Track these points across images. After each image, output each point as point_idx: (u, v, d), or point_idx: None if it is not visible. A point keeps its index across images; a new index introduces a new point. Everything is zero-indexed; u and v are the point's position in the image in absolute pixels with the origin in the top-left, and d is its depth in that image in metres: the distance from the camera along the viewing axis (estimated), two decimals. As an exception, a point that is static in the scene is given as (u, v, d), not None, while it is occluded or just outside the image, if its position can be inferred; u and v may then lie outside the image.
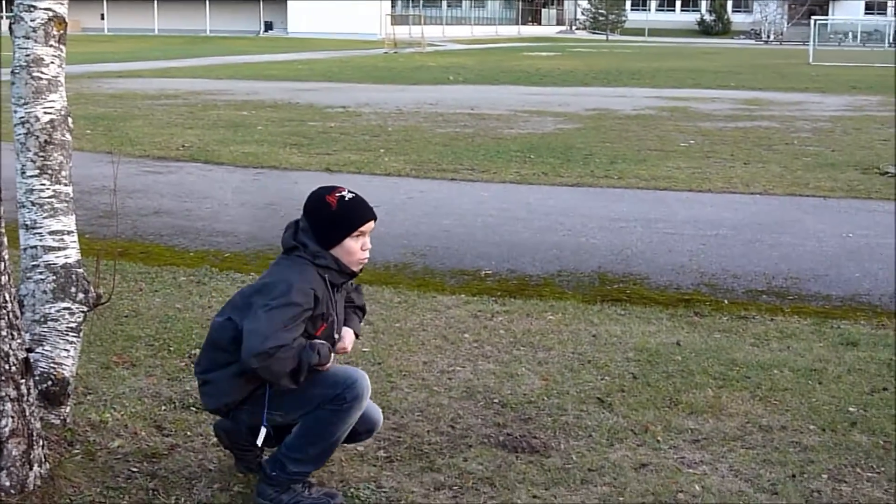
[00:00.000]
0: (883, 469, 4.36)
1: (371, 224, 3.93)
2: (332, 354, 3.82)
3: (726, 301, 7.11)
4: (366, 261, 3.97)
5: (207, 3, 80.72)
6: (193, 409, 4.82)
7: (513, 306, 6.83)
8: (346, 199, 3.89)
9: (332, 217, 3.85)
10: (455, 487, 4.13)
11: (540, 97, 24.16)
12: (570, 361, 5.69)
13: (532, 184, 11.90)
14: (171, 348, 5.74)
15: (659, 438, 4.63)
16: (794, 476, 4.27)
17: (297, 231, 3.88)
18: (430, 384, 5.31)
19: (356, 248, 3.89)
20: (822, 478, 4.27)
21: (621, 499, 4.07)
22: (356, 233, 3.88)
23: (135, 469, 4.19)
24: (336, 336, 3.94)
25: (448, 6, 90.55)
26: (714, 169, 12.96)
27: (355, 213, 3.89)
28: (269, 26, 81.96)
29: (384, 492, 4.08)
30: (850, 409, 5.04)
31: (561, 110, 20.80)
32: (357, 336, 4.18)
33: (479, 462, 4.36)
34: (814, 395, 5.23)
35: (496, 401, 5.08)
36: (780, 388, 5.31)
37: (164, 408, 4.87)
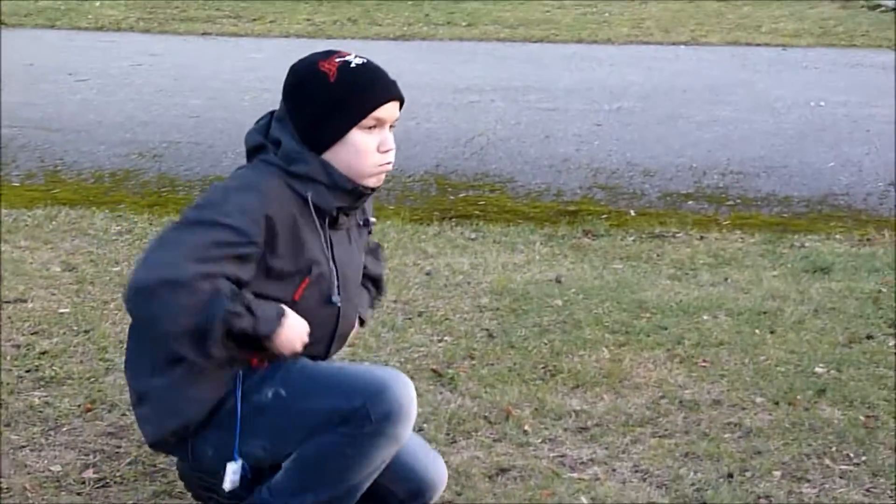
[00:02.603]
0: (864, 458, 4.50)
1: (393, 107, 3.54)
2: (294, 324, 3.42)
3: (632, 212, 7.26)
4: (387, 168, 3.55)
5: None
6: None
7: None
8: (353, 65, 3.50)
9: (328, 96, 3.46)
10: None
11: None
12: (392, 313, 5.73)
13: (332, 37, 11.85)
14: None
15: (527, 428, 4.67)
16: (730, 476, 4.35)
17: (271, 122, 3.53)
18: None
19: (369, 147, 3.48)
20: (774, 476, 4.37)
21: (468, 524, 4.13)
22: (369, 120, 3.47)
23: None
24: (336, 300, 3.57)
25: None
26: (616, 7, 13.11)
27: (368, 88, 3.50)
28: None
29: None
30: (817, 369, 5.19)
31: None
32: (362, 323, 3.89)
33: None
34: (763, 350, 5.38)
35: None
36: (711, 343, 5.44)
37: None
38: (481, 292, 5.97)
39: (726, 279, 6.21)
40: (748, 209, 7.31)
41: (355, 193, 3.52)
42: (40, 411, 4.80)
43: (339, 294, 3.55)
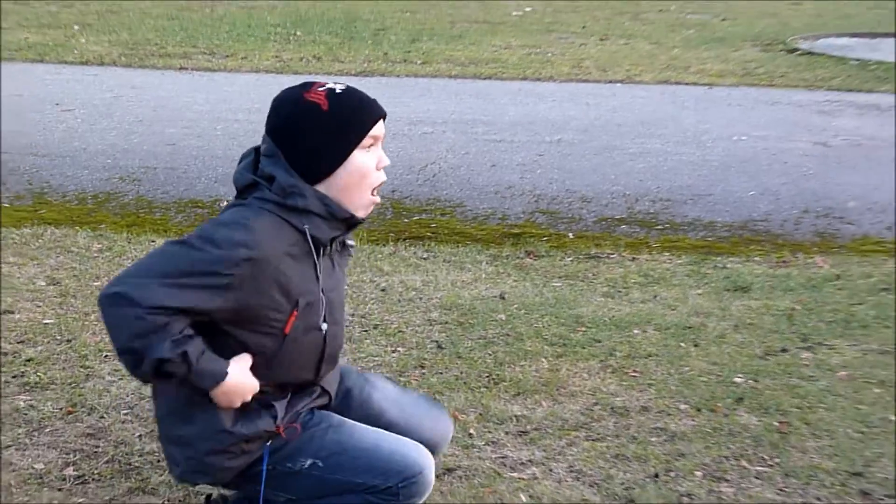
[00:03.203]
0: (777, 461, 4.54)
1: (381, 124, 3.40)
2: (236, 384, 3.24)
3: (571, 235, 7.29)
4: (376, 200, 3.43)
5: None
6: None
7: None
8: (338, 91, 3.33)
9: (326, 125, 3.28)
10: (182, 513, 4.13)
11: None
12: (350, 326, 5.72)
13: (298, 73, 11.86)
14: None
15: (472, 431, 4.69)
16: (657, 476, 4.39)
17: (259, 159, 3.33)
18: (144, 367, 5.26)
19: (370, 166, 3.35)
20: (696, 476, 4.41)
21: (416, 520, 4.13)
22: (367, 139, 3.33)
23: None
24: (324, 327, 3.41)
25: None
26: (558, 48, 13.16)
27: (360, 110, 3.35)
28: None
29: (72, 527, 4.05)
30: (737, 379, 5.24)
31: (342, -35, 20.71)
32: None
33: (214, 477, 4.36)
34: (687, 361, 5.42)
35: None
36: (641, 355, 5.48)
37: None
38: (432, 307, 5.99)
39: (655, 297, 6.24)
40: (676, 233, 7.35)
41: (349, 223, 3.37)
42: (25, 414, 4.79)
43: (325, 321, 3.40)
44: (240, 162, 3.37)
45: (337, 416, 3.53)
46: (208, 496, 3.73)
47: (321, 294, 3.35)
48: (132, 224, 7.35)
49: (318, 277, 3.34)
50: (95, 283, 6.25)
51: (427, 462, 3.44)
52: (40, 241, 6.95)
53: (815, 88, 11.33)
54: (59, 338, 5.54)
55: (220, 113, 10.15)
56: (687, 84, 11.51)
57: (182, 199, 7.91)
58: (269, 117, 3.33)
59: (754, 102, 10.83)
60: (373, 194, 3.36)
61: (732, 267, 6.72)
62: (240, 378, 3.24)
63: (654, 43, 13.56)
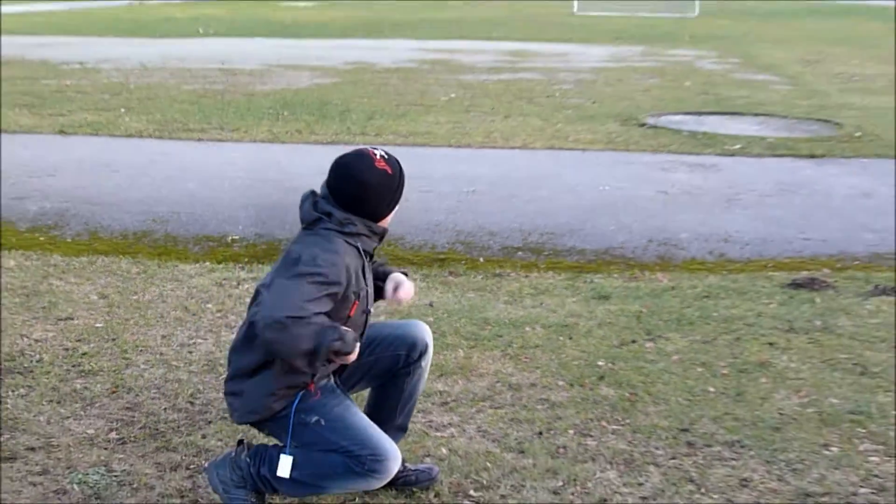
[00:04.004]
0: (628, 421, 4.59)
1: None
2: (358, 344, 3.46)
3: (482, 259, 7.30)
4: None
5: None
6: None
7: (261, 273, 6.78)
8: (389, 159, 3.69)
9: (392, 183, 3.64)
10: (192, 467, 4.11)
11: (296, 50, 23.94)
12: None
13: (285, 142, 11.83)
14: None
15: (408, 403, 4.72)
16: (540, 433, 4.44)
17: (317, 201, 3.59)
18: (169, 359, 5.23)
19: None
20: (569, 433, 4.45)
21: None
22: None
23: None
24: (370, 310, 3.71)
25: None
26: (474, 123, 13.21)
27: (403, 173, 3.73)
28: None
29: (115, 475, 4.02)
30: (599, 363, 5.28)
31: (318, 64, 20.69)
32: (406, 275, 3.97)
33: (219, 438, 4.34)
34: (564, 350, 5.46)
35: (239, 373, 5.06)
36: (531, 346, 5.51)
37: None
38: (378, 312, 5.98)
39: (541, 304, 6.27)
40: (557, 257, 7.40)
41: (381, 236, 3.68)
42: (80, 393, 4.79)
43: (371, 307, 3.71)
44: (302, 203, 3.61)
45: (346, 396, 3.72)
46: (240, 440, 3.79)
47: (367, 288, 3.62)
48: (161, 254, 7.31)
49: (366, 277, 3.59)
50: (134, 297, 6.22)
51: (394, 456, 3.54)
52: (94, 266, 6.91)
53: (658, 152, 11.42)
54: (106, 337, 5.52)
55: (227, 172, 10.11)
56: (566, 149, 11.57)
57: (198, 235, 7.88)
58: (335, 175, 3.60)
59: (615, 162, 10.91)
60: None
61: (598, 281, 6.76)
62: (356, 336, 3.45)
63: (543, 119, 13.62)
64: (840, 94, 16.99)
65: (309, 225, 3.58)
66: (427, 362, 3.97)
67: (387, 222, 3.69)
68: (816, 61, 22.87)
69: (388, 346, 3.88)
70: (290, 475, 3.58)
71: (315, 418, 3.55)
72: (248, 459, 3.68)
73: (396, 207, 3.69)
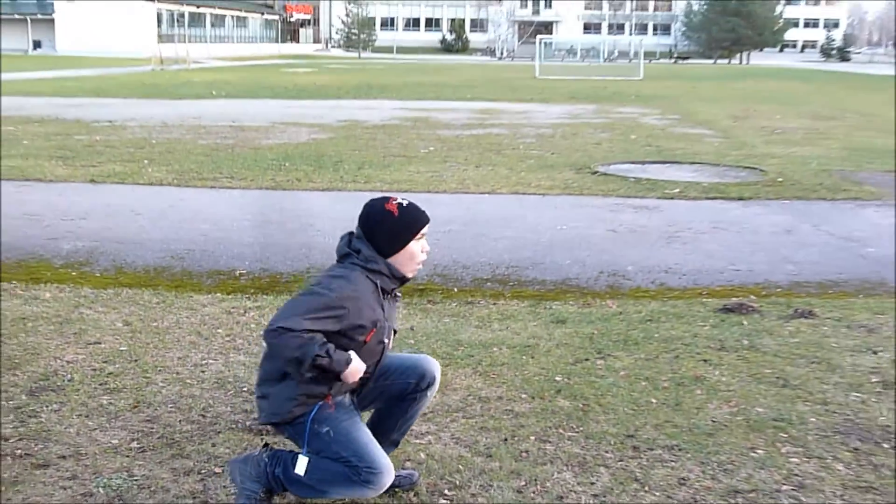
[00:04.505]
0: (582, 428, 4.59)
1: (427, 226, 3.71)
2: (356, 366, 3.52)
3: (456, 289, 7.29)
4: (422, 264, 3.75)
5: (-26, 22, 76.17)
6: None
7: (264, 302, 6.78)
8: (405, 205, 3.66)
9: (395, 224, 3.62)
10: (204, 472, 4.09)
11: (297, 110, 24.01)
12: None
13: (286, 189, 11.83)
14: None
15: (391, 414, 4.70)
16: (506, 440, 4.43)
17: (352, 239, 3.65)
18: (184, 377, 5.21)
19: (417, 251, 3.66)
20: (531, 440, 4.45)
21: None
22: (419, 235, 3.66)
23: None
24: (386, 341, 3.68)
25: (212, 26, 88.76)
26: (450, 172, 13.25)
27: (415, 217, 3.66)
28: (37, 45, 78.17)
29: (136, 479, 3.99)
30: (557, 378, 5.27)
31: (315, 122, 20.74)
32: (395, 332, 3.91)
33: (227, 446, 4.32)
34: (527, 367, 5.45)
35: (245, 389, 5.03)
36: (498, 364, 5.50)
37: None
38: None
39: (507, 327, 6.27)
40: (521, 287, 7.40)
41: (402, 281, 3.68)
42: (106, 408, 4.75)
43: (387, 338, 3.69)
44: (340, 240, 3.67)
45: (356, 413, 3.74)
46: (266, 444, 3.85)
47: (385, 322, 3.63)
48: (178, 286, 7.28)
49: (384, 311, 3.62)
50: (154, 324, 6.19)
51: (388, 471, 3.55)
52: (119, 297, 6.87)
53: (608, 196, 11.48)
54: (129, 359, 5.49)
55: (236, 215, 10.10)
56: (529, 194, 11.61)
57: (210, 269, 7.85)
58: (361, 215, 3.67)
59: (570, 205, 10.95)
60: (417, 265, 3.69)
61: (556, 308, 6.77)
62: (358, 362, 3.53)
63: (509, 169, 13.68)
64: (765, 144, 17.14)
65: (340, 258, 3.65)
66: (433, 392, 3.99)
67: (405, 269, 3.66)
68: (745, 117, 23.07)
69: (401, 374, 3.90)
70: (302, 477, 3.61)
71: (326, 429, 3.59)
72: (266, 459, 3.71)
73: (404, 250, 3.62)
